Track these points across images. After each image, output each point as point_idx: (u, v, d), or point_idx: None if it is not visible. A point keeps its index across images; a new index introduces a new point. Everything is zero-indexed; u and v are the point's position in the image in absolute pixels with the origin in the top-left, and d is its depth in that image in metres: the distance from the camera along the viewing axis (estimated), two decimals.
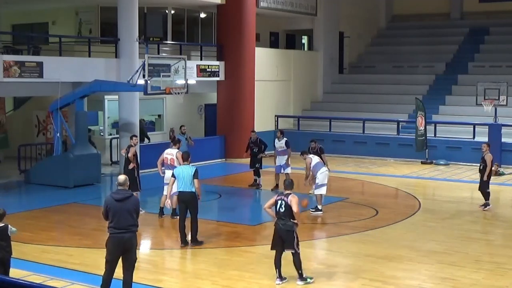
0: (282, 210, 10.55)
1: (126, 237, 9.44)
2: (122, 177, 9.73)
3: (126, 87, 19.17)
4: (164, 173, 15.36)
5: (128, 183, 9.79)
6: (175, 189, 13.44)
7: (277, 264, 10.62)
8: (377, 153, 25.34)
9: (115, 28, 21.78)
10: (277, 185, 18.55)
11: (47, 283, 10.13)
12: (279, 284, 10.56)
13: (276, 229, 10.65)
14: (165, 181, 15.21)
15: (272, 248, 10.73)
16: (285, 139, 18.50)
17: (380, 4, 35.99)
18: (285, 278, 10.63)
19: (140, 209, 15.64)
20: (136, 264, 11.77)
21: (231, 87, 25.15)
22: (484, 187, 16.58)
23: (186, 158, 13.21)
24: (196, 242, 12.79)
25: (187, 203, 12.72)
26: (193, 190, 12.62)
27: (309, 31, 32.26)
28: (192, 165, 12.99)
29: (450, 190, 19.44)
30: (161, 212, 15.29)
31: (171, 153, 15.26)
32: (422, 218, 15.58)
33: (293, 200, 10.54)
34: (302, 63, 30.03)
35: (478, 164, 16.82)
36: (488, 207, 16.49)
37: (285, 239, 10.54)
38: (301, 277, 10.58)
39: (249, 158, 19.30)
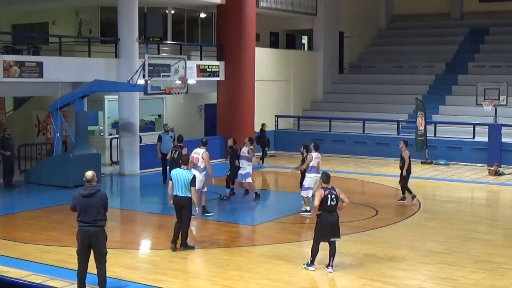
0: (333, 203, 11.13)
1: (92, 231, 9.68)
2: (89, 173, 9.90)
3: (126, 87, 19.16)
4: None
5: (96, 179, 9.99)
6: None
7: (316, 252, 11.17)
8: (377, 153, 25.33)
9: (115, 28, 21.77)
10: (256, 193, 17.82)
11: (47, 283, 10.13)
12: (313, 270, 11.17)
13: (326, 222, 11.08)
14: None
15: (320, 240, 11.16)
16: (249, 147, 17.47)
17: (380, 4, 35.99)
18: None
19: None
20: (136, 264, 11.84)
21: (231, 87, 25.14)
22: (404, 182, 17.22)
23: (185, 161, 12.71)
24: (186, 246, 12.45)
25: (182, 208, 12.35)
26: (189, 195, 12.22)
27: (309, 31, 32.26)
28: (188, 170, 12.53)
29: (450, 190, 19.44)
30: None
31: (197, 152, 15.34)
32: (422, 218, 15.58)
33: (342, 193, 11.33)
34: (302, 63, 30.03)
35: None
36: (404, 201, 17.09)
37: (335, 229, 11.15)
38: (331, 264, 11.17)
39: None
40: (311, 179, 15.53)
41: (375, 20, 35.81)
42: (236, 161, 17.50)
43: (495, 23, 32.95)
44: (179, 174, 12.36)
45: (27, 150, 22.11)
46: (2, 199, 17.56)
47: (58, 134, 19.62)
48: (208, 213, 15.42)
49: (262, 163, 23.55)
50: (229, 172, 17.71)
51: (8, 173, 18.93)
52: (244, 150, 17.35)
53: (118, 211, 16.92)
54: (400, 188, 17.45)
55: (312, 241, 11.27)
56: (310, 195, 15.30)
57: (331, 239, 11.15)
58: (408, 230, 14.42)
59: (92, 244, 9.73)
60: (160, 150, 19.56)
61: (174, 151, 16.91)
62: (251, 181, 17.35)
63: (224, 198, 17.51)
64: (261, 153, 24.02)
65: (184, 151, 16.16)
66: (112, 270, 10.79)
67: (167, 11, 25.32)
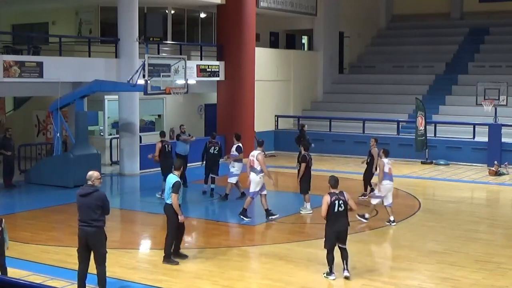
0: (341, 209, 10.69)
1: (89, 231, 9.69)
2: (89, 172, 9.92)
3: (126, 87, 19.16)
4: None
5: (95, 179, 9.87)
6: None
7: (332, 260, 10.78)
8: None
9: (115, 28, 21.78)
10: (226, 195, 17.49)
11: (47, 283, 10.13)
12: (334, 279, 10.72)
13: (333, 228, 10.70)
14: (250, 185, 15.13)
15: (330, 248, 10.78)
16: (237, 144, 17.14)
17: (380, 4, 35.99)
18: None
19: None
20: (136, 264, 11.83)
21: (231, 87, 25.14)
22: (369, 178, 17.50)
23: (177, 167, 11.71)
24: (168, 259, 11.53)
25: (166, 215, 11.66)
26: (170, 202, 11.43)
27: (309, 31, 32.26)
28: (176, 176, 11.53)
29: (450, 190, 19.44)
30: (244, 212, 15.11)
31: (253, 155, 15.08)
32: (422, 218, 15.58)
33: (350, 198, 10.88)
34: (302, 63, 30.03)
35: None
36: (365, 198, 17.14)
37: (344, 236, 10.75)
38: (347, 268, 10.77)
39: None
40: (384, 186, 14.71)
41: (375, 20, 35.81)
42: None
43: (495, 23, 32.94)
44: (168, 179, 11.63)
45: (27, 150, 22.12)
46: (2, 199, 17.55)
47: (58, 134, 19.62)
48: (273, 216, 14.93)
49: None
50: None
51: (8, 173, 18.94)
52: (233, 149, 17.20)
53: (118, 211, 16.92)
54: (366, 184, 17.68)
55: (325, 248, 10.90)
56: (376, 203, 14.71)
57: (338, 245, 10.80)
58: (408, 230, 14.41)
59: (89, 244, 9.73)
60: (175, 150, 19.25)
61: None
62: (232, 181, 17.01)
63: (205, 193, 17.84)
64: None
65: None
66: (112, 270, 10.79)
67: (167, 11, 25.31)
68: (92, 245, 9.73)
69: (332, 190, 10.81)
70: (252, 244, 13.51)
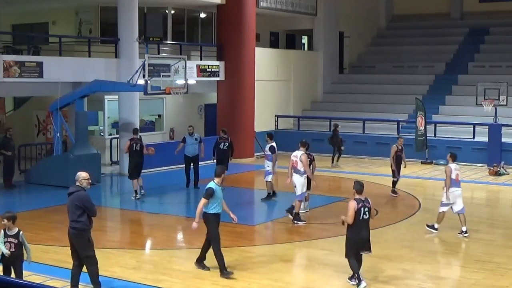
0: (366, 216, 10.27)
1: (70, 232, 9.74)
2: (78, 173, 9.92)
3: (126, 87, 19.16)
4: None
5: (88, 180, 9.83)
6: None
7: (357, 267, 10.34)
8: (377, 153, 25.28)
9: (115, 28, 21.78)
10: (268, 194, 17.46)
11: (47, 283, 10.13)
12: (366, 286, 10.27)
13: (358, 237, 10.30)
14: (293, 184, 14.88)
15: (352, 255, 10.35)
16: (270, 144, 17.21)
17: (380, 4, 35.99)
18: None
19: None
20: (136, 264, 11.82)
21: (231, 87, 25.14)
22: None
23: (218, 173, 11.13)
24: (223, 273, 10.93)
25: (205, 223, 11.17)
26: (207, 211, 10.92)
27: (309, 31, 32.27)
28: (214, 183, 11.07)
29: None
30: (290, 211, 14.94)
31: (295, 155, 14.87)
32: (422, 218, 15.55)
33: (373, 206, 10.51)
34: (302, 63, 30.04)
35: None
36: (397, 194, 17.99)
37: (367, 243, 10.45)
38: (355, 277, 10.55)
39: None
40: (453, 193, 13.74)
41: (375, 20, 35.82)
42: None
43: (495, 23, 32.94)
44: None
45: (27, 150, 22.12)
46: (2, 199, 17.55)
47: (58, 134, 19.63)
48: (299, 222, 14.61)
49: (334, 162, 23.47)
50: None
51: (8, 173, 18.94)
52: (266, 148, 17.40)
53: (118, 211, 16.91)
54: (393, 184, 18.28)
55: (346, 257, 10.49)
56: (445, 210, 13.86)
57: (361, 253, 10.48)
58: (408, 230, 14.41)
59: (74, 245, 9.71)
60: (184, 152, 19.12)
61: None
62: (269, 179, 17.16)
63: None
64: (331, 154, 23.71)
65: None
66: (112, 270, 10.80)
67: (167, 11, 25.32)
68: (75, 246, 9.71)
69: (358, 196, 10.28)
70: (252, 244, 13.51)
